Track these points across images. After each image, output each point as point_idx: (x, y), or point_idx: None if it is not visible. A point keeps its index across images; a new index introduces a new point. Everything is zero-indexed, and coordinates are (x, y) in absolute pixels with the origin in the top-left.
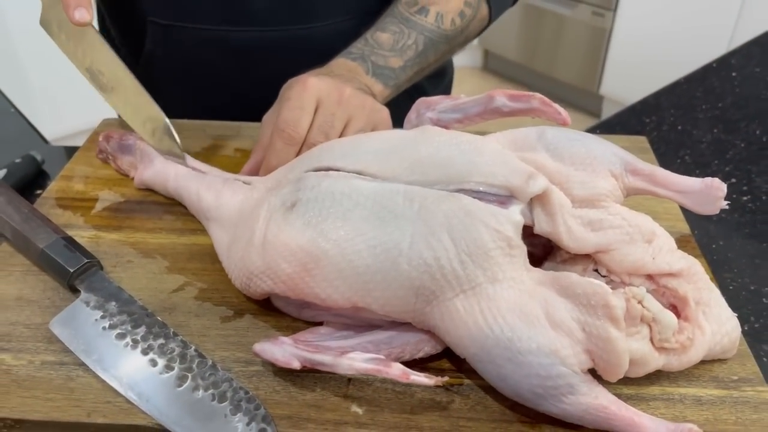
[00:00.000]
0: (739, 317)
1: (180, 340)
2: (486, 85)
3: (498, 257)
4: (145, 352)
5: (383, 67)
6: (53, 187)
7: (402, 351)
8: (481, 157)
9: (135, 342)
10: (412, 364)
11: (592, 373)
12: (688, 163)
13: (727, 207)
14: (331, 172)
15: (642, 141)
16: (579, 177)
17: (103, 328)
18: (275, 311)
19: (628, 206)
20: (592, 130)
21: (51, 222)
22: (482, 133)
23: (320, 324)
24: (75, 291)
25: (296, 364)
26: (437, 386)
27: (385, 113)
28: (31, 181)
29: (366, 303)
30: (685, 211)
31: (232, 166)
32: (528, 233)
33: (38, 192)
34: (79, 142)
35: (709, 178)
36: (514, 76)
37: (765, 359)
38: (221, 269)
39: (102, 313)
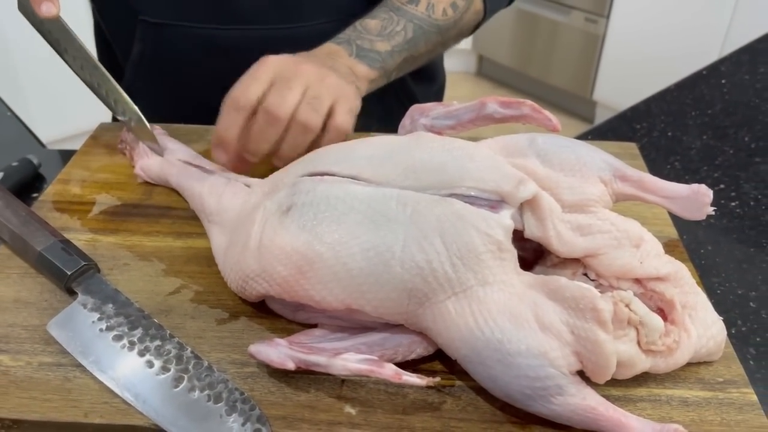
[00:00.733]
0: (726, 321)
1: (176, 341)
2: (480, 91)
3: (489, 260)
4: (141, 354)
5: (368, 50)
6: (50, 191)
7: (395, 352)
8: (472, 163)
9: (132, 344)
10: (405, 365)
11: (581, 374)
12: (677, 169)
13: (713, 213)
14: (326, 177)
15: (632, 147)
16: (568, 182)
17: (100, 329)
18: (270, 314)
19: (617, 212)
20: (583, 136)
21: (48, 225)
22: (475, 139)
23: (315, 326)
24: (72, 293)
25: (291, 365)
26: (429, 387)
27: (348, 90)
28: (27, 184)
29: (360, 305)
30: (675, 217)
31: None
32: (518, 238)
33: (35, 195)
34: (75, 145)
35: (696, 184)
36: (508, 81)
37: (752, 362)
38: (217, 272)
39: (99, 315)
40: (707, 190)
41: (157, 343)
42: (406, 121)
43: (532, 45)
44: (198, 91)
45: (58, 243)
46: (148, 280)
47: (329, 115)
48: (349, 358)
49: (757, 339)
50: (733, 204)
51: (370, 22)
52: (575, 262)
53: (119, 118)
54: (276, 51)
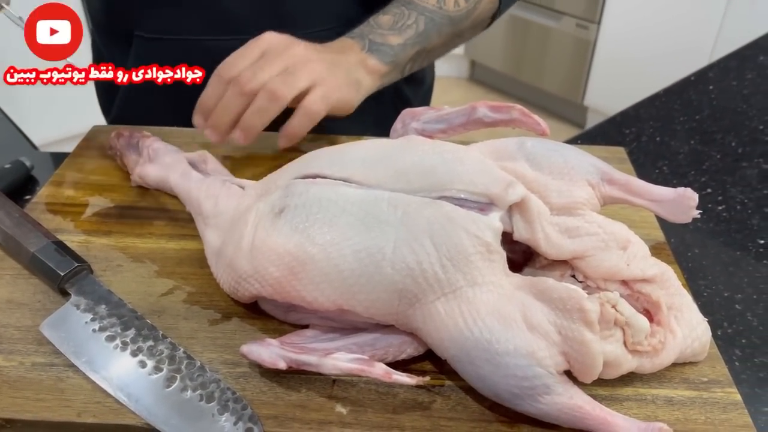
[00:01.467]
0: (712, 323)
1: (169, 342)
2: (472, 96)
3: (478, 262)
4: (134, 354)
5: (380, 44)
6: (43, 193)
7: (385, 353)
8: (462, 166)
9: (124, 344)
10: (395, 365)
11: (568, 374)
12: (665, 173)
13: (699, 216)
14: (318, 180)
15: (620, 151)
16: (557, 185)
17: (93, 330)
18: (262, 315)
19: (605, 215)
20: (573, 141)
21: (41, 226)
22: (465, 143)
23: (306, 327)
24: (65, 294)
25: (282, 365)
26: (419, 387)
27: (334, 80)
28: (20, 186)
29: (351, 305)
30: (662, 220)
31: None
32: (508, 240)
33: (27, 197)
34: (67, 148)
35: (682, 188)
36: (500, 86)
37: (737, 363)
38: (209, 274)
39: (92, 316)
40: (693, 193)
41: (150, 343)
42: (397, 125)
43: (523, 50)
44: (194, 102)
45: (51, 244)
46: (141, 281)
47: (301, 96)
48: (339, 358)
49: (743, 341)
50: (719, 208)
51: (383, 18)
52: (563, 264)
53: None
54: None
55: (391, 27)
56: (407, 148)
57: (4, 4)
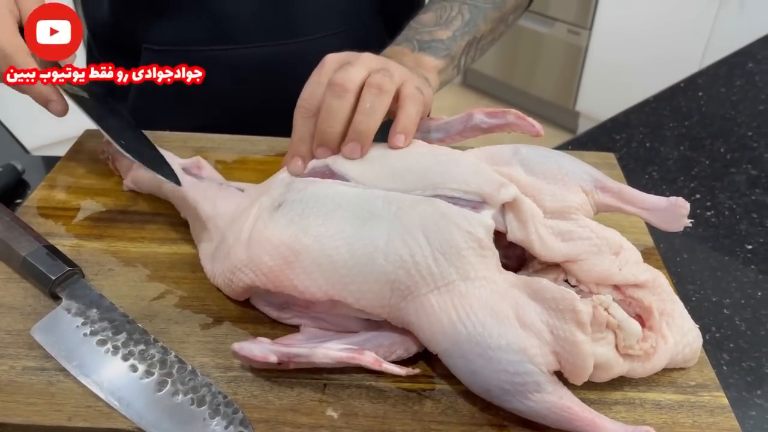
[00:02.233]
0: (701, 327)
1: (160, 346)
2: (465, 101)
3: (470, 257)
4: (125, 358)
5: (430, 41)
6: (35, 196)
7: (375, 353)
8: (457, 167)
9: (116, 348)
10: None
11: (559, 376)
12: (655, 179)
13: (690, 225)
14: (318, 180)
15: (610, 157)
16: (550, 190)
17: (84, 334)
18: (254, 319)
19: (596, 220)
20: (564, 146)
21: (33, 230)
22: (462, 149)
23: (297, 330)
24: (56, 298)
25: (273, 358)
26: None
27: (415, 76)
28: (11, 190)
29: (342, 296)
30: (651, 226)
31: None
32: (502, 245)
33: (18, 201)
34: (59, 151)
35: (674, 197)
36: (493, 92)
37: (725, 367)
38: (202, 278)
39: (83, 320)
40: (684, 202)
41: (141, 347)
42: None
43: (516, 56)
44: (202, 111)
45: (42, 248)
46: (133, 286)
47: (399, 89)
48: (330, 347)
49: (731, 345)
50: (708, 213)
51: (425, 16)
52: (556, 268)
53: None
54: (282, 67)
55: (436, 23)
56: (405, 151)
57: None
